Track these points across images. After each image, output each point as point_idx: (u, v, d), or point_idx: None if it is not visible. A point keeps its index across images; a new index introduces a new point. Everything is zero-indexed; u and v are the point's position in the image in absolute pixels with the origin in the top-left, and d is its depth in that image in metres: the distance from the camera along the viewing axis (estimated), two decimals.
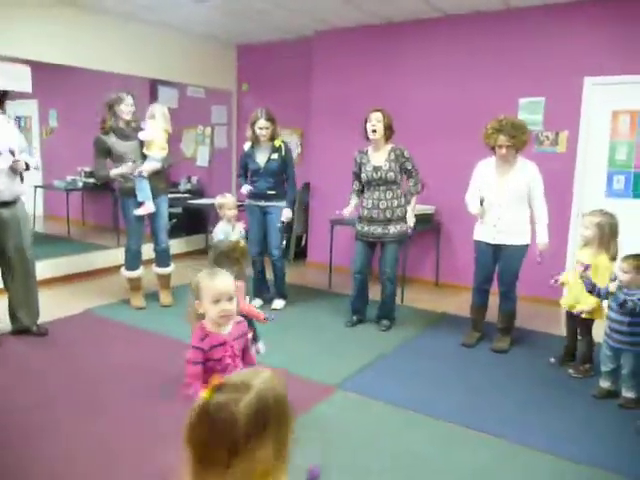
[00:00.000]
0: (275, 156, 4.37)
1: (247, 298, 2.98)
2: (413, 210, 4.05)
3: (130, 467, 2.32)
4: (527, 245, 3.64)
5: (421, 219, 5.07)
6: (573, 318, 3.43)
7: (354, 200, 4.14)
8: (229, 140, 6.97)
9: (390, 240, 3.99)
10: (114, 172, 4.22)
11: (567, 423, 2.79)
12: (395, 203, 3.97)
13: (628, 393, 2.96)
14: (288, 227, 4.96)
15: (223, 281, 1.89)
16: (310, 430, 2.58)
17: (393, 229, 3.97)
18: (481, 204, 3.61)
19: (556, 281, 3.41)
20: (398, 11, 5.02)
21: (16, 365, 3.37)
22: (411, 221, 4.03)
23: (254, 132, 4.33)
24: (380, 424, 2.76)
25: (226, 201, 3.93)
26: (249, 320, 2.59)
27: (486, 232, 3.69)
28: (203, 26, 5.77)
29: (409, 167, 3.97)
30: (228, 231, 3.85)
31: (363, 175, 3.99)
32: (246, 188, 4.44)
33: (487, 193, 3.63)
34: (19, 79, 4.66)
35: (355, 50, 5.67)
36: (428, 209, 5.21)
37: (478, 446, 2.57)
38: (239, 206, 4.29)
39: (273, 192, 4.41)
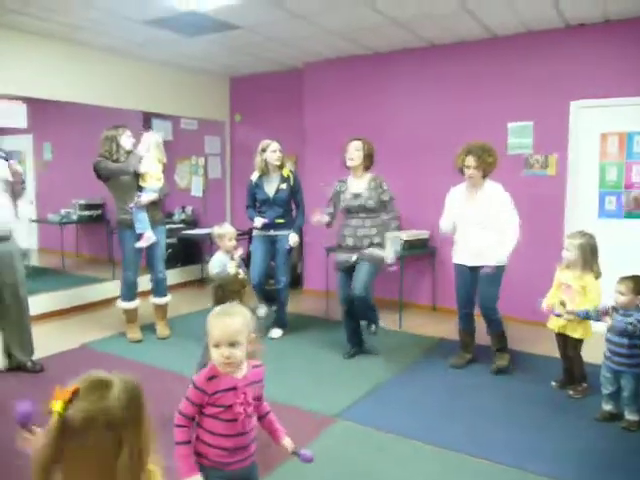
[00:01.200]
0: (284, 186, 4.43)
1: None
2: (392, 245, 3.91)
3: None
4: (503, 266, 3.64)
5: (416, 244, 5.11)
6: (564, 339, 3.42)
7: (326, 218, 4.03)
8: (223, 170, 7.02)
9: (363, 260, 3.83)
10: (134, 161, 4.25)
11: (573, 448, 2.76)
12: (374, 231, 3.87)
13: (631, 415, 2.94)
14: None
15: (224, 324, 1.66)
16: (314, 463, 2.54)
17: (367, 252, 3.83)
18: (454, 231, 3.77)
19: (552, 313, 3.37)
20: (386, 42, 5.13)
21: (10, 403, 3.31)
22: (389, 257, 3.86)
23: (264, 159, 4.38)
24: (383, 454, 2.73)
25: (226, 232, 3.85)
26: None
27: (462, 255, 3.76)
28: (197, 60, 5.87)
29: (385, 198, 3.88)
30: (225, 262, 3.82)
31: (342, 203, 3.92)
32: (259, 221, 4.43)
33: (458, 217, 3.73)
34: (14, 116, 4.71)
35: (344, 79, 5.77)
36: (423, 234, 5.24)
37: (484, 475, 2.53)
38: (239, 234, 4.32)
39: (282, 221, 4.45)
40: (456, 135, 5.10)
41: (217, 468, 1.70)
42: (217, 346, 1.65)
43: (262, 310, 4.53)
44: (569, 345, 3.40)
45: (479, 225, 3.65)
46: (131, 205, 4.25)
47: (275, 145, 4.39)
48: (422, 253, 5.27)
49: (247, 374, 1.72)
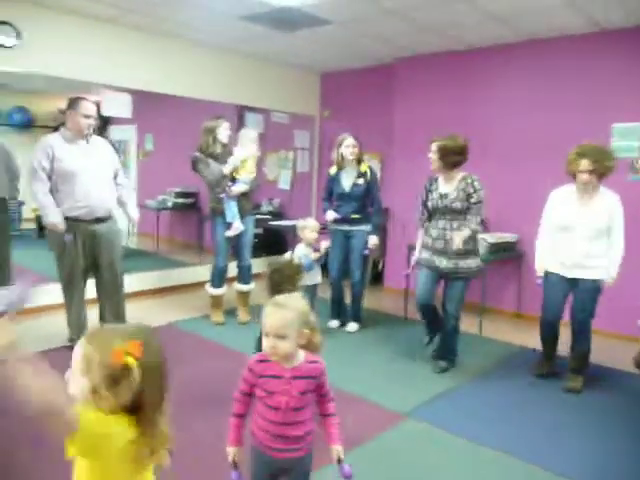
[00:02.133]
0: (361, 181, 4.42)
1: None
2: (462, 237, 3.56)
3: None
4: (603, 281, 3.40)
5: (502, 247, 4.92)
6: None
7: (420, 232, 3.90)
8: (311, 164, 7.13)
9: (458, 277, 3.63)
10: (227, 168, 4.41)
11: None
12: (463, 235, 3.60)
13: None
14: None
15: (275, 315, 1.68)
16: (378, 456, 2.55)
17: (463, 264, 3.60)
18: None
19: None
20: (479, 36, 4.97)
21: None
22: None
23: (340, 153, 4.42)
24: (446, 455, 2.68)
25: (309, 224, 4.05)
26: None
27: (561, 264, 3.50)
28: (289, 55, 6.01)
29: (473, 200, 3.57)
30: (307, 254, 3.92)
31: (429, 203, 3.74)
32: (331, 215, 4.49)
33: (566, 223, 3.45)
34: (121, 106, 5.07)
35: (437, 76, 5.66)
36: (510, 237, 5.04)
37: None
38: (322, 228, 4.39)
39: (357, 216, 4.44)
40: (554, 135, 4.86)
41: (262, 452, 1.74)
42: (266, 335, 1.69)
43: (334, 322, 4.66)
44: None
45: (589, 235, 3.38)
46: (222, 195, 4.44)
47: (350, 140, 4.39)
48: (509, 257, 5.07)
49: (300, 366, 1.72)
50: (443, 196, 3.67)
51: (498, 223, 5.14)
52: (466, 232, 3.52)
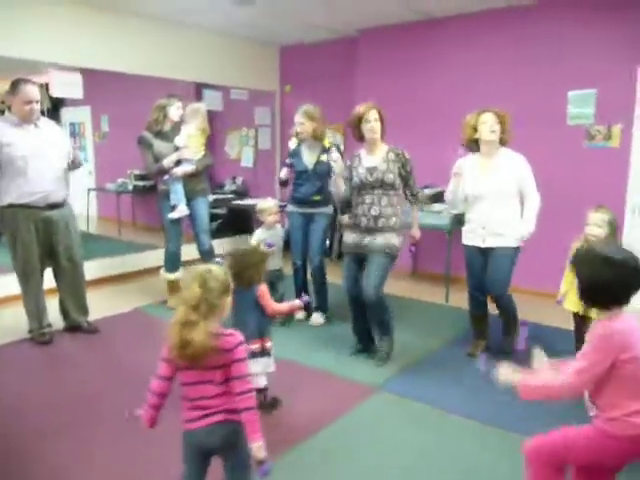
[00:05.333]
0: (325, 157, 4.00)
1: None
2: (416, 220, 3.61)
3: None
4: (519, 248, 3.35)
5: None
6: (583, 320, 3.07)
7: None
8: (273, 141, 7.03)
9: (376, 251, 3.32)
10: (166, 161, 4.19)
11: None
12: (390, 211, 3.33)
13: None
14: (332, 227, 4.82)
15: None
16: (353, 429, 2.59)
17: (381, 239, 3.32)
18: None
19: (559, 302, 3.16)
20: (439, 6, 4.92)
21: (66, 361, 3.51)
22: (417, 233, 3.62)
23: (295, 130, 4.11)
24: (416, 424, 2.74)
25: (267, 206, 3.88)
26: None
27: (474, 235, 3.41)
28: (246, 28, 5.85)
29: (408, 169, 3.37)
30: (264, 238, 3.83)
31: (355, 179, 3.40)
32: (284, 172, 4.24)
33: (475, 192, 3.34)
34: (71, 87, 4.85)
35: (399, 48, 5.60)
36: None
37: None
38: (281, 207, 4.29)
39: (319, 197, 4.08)
40: (512, 104, 4.87)
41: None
42: None
43: (301, 314, 4.25)
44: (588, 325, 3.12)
45: (498, 201, 3.28)
46: (166, 177, 4.25)
47: (296, 117, 4.04)
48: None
49: None
50: (371, 169, 3.35)
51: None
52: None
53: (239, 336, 1.69)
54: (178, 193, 4.28)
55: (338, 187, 3.51)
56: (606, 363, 1.59)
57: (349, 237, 3.45)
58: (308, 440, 2.55)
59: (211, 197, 5.21)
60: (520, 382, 1.74)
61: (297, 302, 2.92)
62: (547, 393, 1.72)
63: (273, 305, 2.68)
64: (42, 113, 3.67)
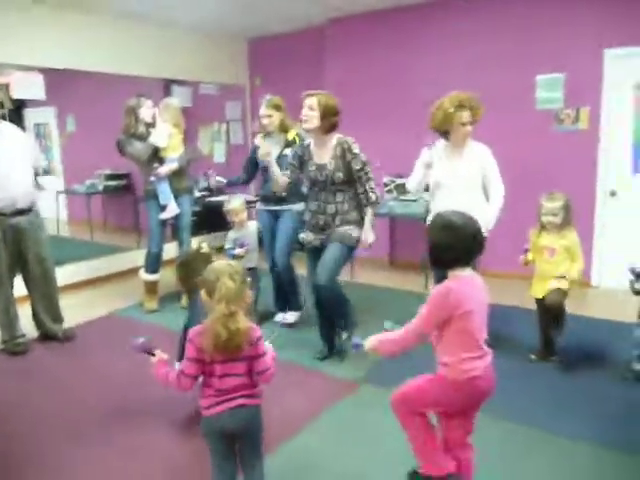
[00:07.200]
0: (288, 151, 3.69)
1: None
2: (370, 223, 3.25)
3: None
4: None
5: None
6: (546, 309, 3.17)
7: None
8: (244, 136, 6.95)
9: (333, 241, 3.18)
10: (152, 138, 4.18)
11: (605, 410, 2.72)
12: (346, 207, 3.20)
13: None
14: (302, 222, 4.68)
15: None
16: (339, 424, 2.57)
17: (340, 230, 3.18)
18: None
19: (527, 263, 3.27)
20: None
21: (43, 372, 3.42)
22: (370, 237, 3.25)
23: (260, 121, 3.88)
24: None
25: (231, 207, 3.76)
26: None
27: None
28: (212, 22, 5.74)
29: (357, 167, 3.14)
30: (237, 238, 3.75)
31: (308, 174, 3.26)
32: (217, 179, 4.47)
33: (441, 180, 3.29)
34: (32, 87, 4.71)
35: (367, 36, 5.57)
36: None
37: (511, 435, 2.51)
38: (249, 203, 4.20)
39: (284, 193, 3.72)
40: (482, 90, 4.89)
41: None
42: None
43: (280, 316, 4.11)
44: (555, 316, 3.17)
45: (464, 189, 3.20)
46: (151, 178, 4.24)
47: (262, 110, 3.80)
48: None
49: None
50: (321, 167, 3.19)
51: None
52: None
53: (258, 330, 1.81)
54: (166, 193, 4.26)
55: (280, 186, 3.43)
56: (441, 316, 1.83)
57: (309, 235, 3.33)
58: (292, 439, 2.54)
59: (197, 194, 5.29)
60: (378, 341, 2.00)
61: None
62: (400, 343, 1.98)
63: None
64: (3, 117, 3.55)
